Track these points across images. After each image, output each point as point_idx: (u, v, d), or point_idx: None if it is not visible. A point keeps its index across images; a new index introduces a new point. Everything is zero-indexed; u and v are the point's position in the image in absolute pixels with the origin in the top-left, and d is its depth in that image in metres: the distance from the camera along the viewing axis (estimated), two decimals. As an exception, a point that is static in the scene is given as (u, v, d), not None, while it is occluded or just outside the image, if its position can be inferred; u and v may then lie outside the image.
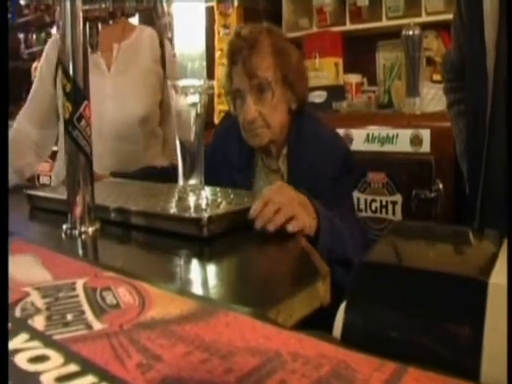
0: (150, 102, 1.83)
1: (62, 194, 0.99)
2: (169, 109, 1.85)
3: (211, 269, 0.78)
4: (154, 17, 0.95)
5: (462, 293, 0.42)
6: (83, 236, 0.93)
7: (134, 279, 0.64)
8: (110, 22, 0.93)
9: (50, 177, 3.84)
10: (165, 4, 0.87)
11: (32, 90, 1.94)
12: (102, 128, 1.72)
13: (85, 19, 0.91)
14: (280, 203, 0.94)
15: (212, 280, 0.72)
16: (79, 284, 0.64)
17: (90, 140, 0.93)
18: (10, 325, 0.53)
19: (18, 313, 0.56)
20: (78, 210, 0.94)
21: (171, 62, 1.91)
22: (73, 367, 0.43)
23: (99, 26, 0.94)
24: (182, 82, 0.96)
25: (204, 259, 0.84)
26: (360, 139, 2.23)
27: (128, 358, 0.44)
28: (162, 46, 1.87)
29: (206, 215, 0.85)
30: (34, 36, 4.60)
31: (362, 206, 2.19)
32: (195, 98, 0.95)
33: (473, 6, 1.08)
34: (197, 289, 0.68)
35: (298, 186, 1.28)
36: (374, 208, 2.17)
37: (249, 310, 0.50)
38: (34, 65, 4.42)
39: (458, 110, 1.39)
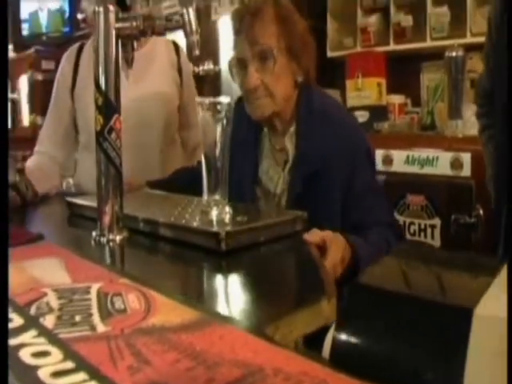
0: (169, 107, 1.84)
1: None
2: (187, 115, 1.90)
3: (222, 281, 0.80)
4: (184, 35, 0.99)
5: (447, 321, 0.43)
6: (111, 243, 0.97)
7: (146, 287, 0.67)
8: (141, 39, 0.97)
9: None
10: (193, 22, 0.90)
11: (50, 108, 1.95)
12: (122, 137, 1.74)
13: (117, 36, 0.95)
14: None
15: (220, 292, 0.74)
16: (94, 288, 0.68)
17: (120, 152, 0.97)
18: (22, 321, 0.56)
19: (33, 311, 0.60)
20: (107, 219, 0.98)
21: (188, 73, 1.94)
22: (69, 364, 0.46)
23: (134, 42, 0.99)
24: (208, 99, 0.99)
25: (218, 272, 0.86)
26: (400, 161, 2.22)
27: (121, 359, 0.47)
28: (177, 53, 1.90)
29: (224, 230, 0.87)
30: (90, 49, 4.75)
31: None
32: (221, 115, 0.98)
33: (502, 31, 1.08)
34: (203, 299, 0.70)
35: (305, 166, 1.30)
36: (412, 231, 2.15)
37: (247, 323, 0.52)
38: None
39: (489, 134, 1.38)
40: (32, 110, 4.65)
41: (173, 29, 0.99)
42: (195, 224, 0.95)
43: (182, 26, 0.98)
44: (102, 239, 0.98)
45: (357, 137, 1.36)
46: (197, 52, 1.01)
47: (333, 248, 1.01)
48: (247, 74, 1.33)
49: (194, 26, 0.98)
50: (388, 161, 2.25)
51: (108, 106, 0.95)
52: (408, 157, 2.21)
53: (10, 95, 5.01)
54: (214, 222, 0.96)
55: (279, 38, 1.32)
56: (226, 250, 0.87)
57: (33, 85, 4.64)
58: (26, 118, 4.77)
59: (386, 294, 0.48)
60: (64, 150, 1.90)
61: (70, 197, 1.31)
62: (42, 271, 0.77)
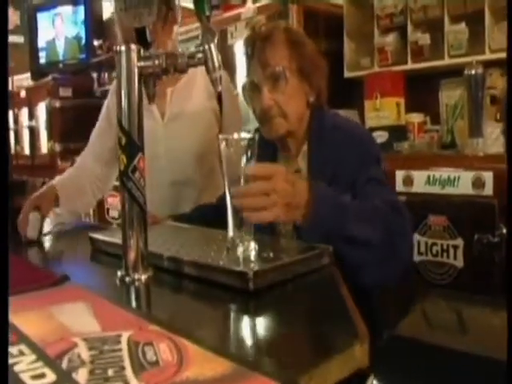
0: (205, 138, 1.83)
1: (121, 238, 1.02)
2: None
3: (251, 325, 0.78)
4: (207, 71, 1.00)
5: (481, 372, 0.41)
6: (136, 283, 0.96)
7: (176, 334, 0.66)
8: (164, 77, 0.97)
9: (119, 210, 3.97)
10: (215, 59, 0.90)
11: (96, 127, 1.98)
12: (156, 176, 1.75)
13: (139, 75, 0.95)
14: (261, 190, 0.97)
15: (250, 338, 0.72)
16: (124, 337, 0.67)
17: (144, 191, 0.97)
18: (54, 376, 0.56)
19: (65, 364, 0.59)
20: (132, 258, 0.97)
21: (228, 100, 1.90)
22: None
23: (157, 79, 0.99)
24: (232, 135, 0.98)
25: (247, 314, 0.84)
26: (421, 181, 2.20)
27: (158, 421, 0.46)
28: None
29: (252, 270, 0.86)
30: (107, 75, 4.80)
31: (423, 249, 2.14)
32: (244, 150, 0.97)
33: None
34: (232, 346, 0.69)
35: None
36: (434, 252, 2.12)
37: (280, 374, 0.51)
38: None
39: None
40: (50, 137, 4.70)
41: (195, 66, 0.99)
42: (222, 263, 0.94)
43: (204, 62, 0.98)
44: (127, 279, 0.97)
45: (366, 144, 1.37)
46: (219, 88, 1.01)
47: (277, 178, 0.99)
48: (261, 96, 1.36)
49: (216, 63, 0.98)
50: (409, 181, 2.23)
51: (131, 146, 0.95)
52: (429, 177, 2.18)
53: (28, 123, 5.07)
54: (241, 260, 0.95)
55: (290, 60, 1.37)
56: (254, 289, 0.86)
57: (50, 112, 4.68)
58: (44, 146, 4.81)
59: (422, 345, 0.47)
60: (105, 166, 1.91)
61: (93, 232, 1.31)
62: (70, 317, 0.76)
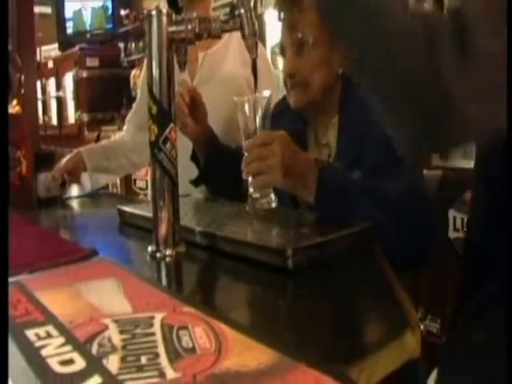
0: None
1: (151, 211, 0.98)
2: None
3: (291, 309, 0.74)
4: (242, 37, 0.94)
5: None
6: (167, 259, 0.92)
7: (212, 317, 0.62)
8: (196, 43, 0.91)
9: (146, 181, 3.97)
10: (252, 23, 0.85)
11: (138, 95, 2.03)
12: (182, 141, 1.71)
13: (171, 41, 0.90)
14: (260, 156, 1.01)
15: (290, 323, 0.67)
16: (157, 319, 0.63)
17: (176, 163, 0.92)
18: (84, 363, 0.52)
19: (94, 349, 0.55)
20: (163, 233, 0.93)
21: (265, 69, 1.83)
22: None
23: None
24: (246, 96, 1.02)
25: (285, 295, 0.80)
26: (457, 155, 2.12)
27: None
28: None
29: (291, 247, 0.81)
30: (133, 45, 4.75)
31: (459, 225, 2.08)
32: (261, 111, 1.00)
33: None
34: (273, 331, 0.64)
35: (344, 157, 1.24)
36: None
37: (328, 367, 0.46)
38: (133, 72, 4.57)
39: None
40: (77, 108, 4.69)
41: (230, 31, 0.93)
42: (258, 239, 0.89)
43: (239, 27, 0.92)
44: (157, 254, 0.93)
45: None
46: (255, 54, 0.95)
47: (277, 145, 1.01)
48: (285, 61, 1.32)
49: (252, 28, 0.92)
50: (444, 156, 2.14)
51: (163, 115, 0.90)
52: (466, 151, 2.10)
53: (55, 93, 5.07)
54: (279, 237, 0.90)
55: (319, 27, 1.28)
56: (293, 267, 0.81)
57: (77, 82, 4.67)
58: (71, 116, 4.81)
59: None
60: (141, 132, 1.89)
61: (120, 204, 1.27)
62: (99, 296, 0.72)
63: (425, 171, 2.15)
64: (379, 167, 1.17)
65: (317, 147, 1.39)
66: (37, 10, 6.26)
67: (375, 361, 0.54)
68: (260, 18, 3.07)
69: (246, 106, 1.04)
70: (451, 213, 2.06)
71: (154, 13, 0.90)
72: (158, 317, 0.63)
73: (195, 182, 1.54)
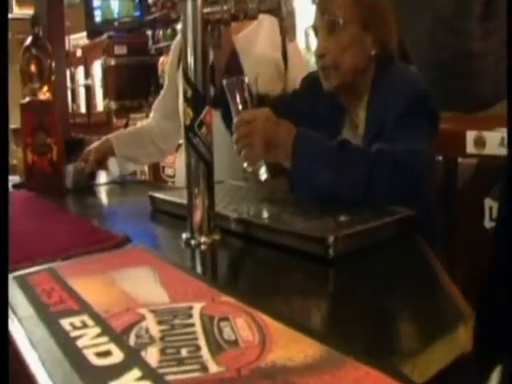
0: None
1: (184, 198, 0.96)
2: None
3: (334, 300, 0.71)
4: (279, 18, 0.91)
5: None
6: (202, 247, 0.90)
7: (254, 308, 0.59)
8: (232, 24, 0.88)
9: (175, 168, 3.96)
10: (289, 3, 0.81)
11: (165, 84, 2.01)
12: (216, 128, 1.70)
13: (206, 22, 0.87)
14: (243, 134, 1.12)
15: (335, 315, 0.64)
16: (196, 309, 0.60)
17: (212, 147, 0.89)
18: (122, 355, 0.49)
19: (132, 340, 0.53)
20: (198, 220, 0.91)
21: (295, 53, 1.80)
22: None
23: (221, 26, 0.90)
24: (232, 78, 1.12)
25: (327, 285, 0.77)
26: (494, 142, 2.05)
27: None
28: (282, 33, 1.78)
29: (332, 235, 0.78)
30: (161, 32, 4.73)
31: (495, 215, 2.01)
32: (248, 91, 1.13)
33: None
34: (317, 324, 0.61)
35: (369, 134, 1.25)
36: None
37: (380, 363, 0.43)
38: (161, 60, 4.55)
39: None
40: (105, 95, 4.69)
41: (266, 11, 0.90)
42: (296, 227, 0.86)
43: (276, 8, 0.88)
44: (192, 242, 0.90)
45: (418, 97, 1.22)
46: (292, 38, 0.92)
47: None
48: (317, 43, 1.31)
49: (290, 8, 0.88)
50: (480, 143, 2.08)
51: (198, 99, 0.87)
52: (503, 139, 2.03)
53: (84, 81, 5.08)
54: (318, 224, 0.87)
55: (351, 9, 1.27)
56: (334, 257, 0.77)
57: (106, 70, 4.67)
58: (100, 104, 4.82)
59: None
60: (167, 120, 1.93)
61: (154, 191, 1.25)
62: (135, 285, 0.70)
63: (459, 159, 2.10)
64: (395, 133, 1.16)
65: (351, 127, 1.38)
66: (65, -1, 6.32)
67: (428, 356, 0.51)
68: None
69: (235, 88, 1.12)
70: (487, 202, 1.99)
71: (188, -8, 0.86)
72: (197, 307, 0.61)
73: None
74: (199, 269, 0.87)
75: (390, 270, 0.79)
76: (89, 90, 5.04)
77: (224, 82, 1.13)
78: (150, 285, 0.70)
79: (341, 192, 1.05)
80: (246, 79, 1.12)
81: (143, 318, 0.59)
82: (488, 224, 2.01)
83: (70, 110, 5.38)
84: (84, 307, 0.62)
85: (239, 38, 1.72)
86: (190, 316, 0.59)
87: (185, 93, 0.87)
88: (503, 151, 2.02)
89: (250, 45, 1.72)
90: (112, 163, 1.89)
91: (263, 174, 1.13)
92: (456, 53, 0.73)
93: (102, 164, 1.83)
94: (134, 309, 0.61)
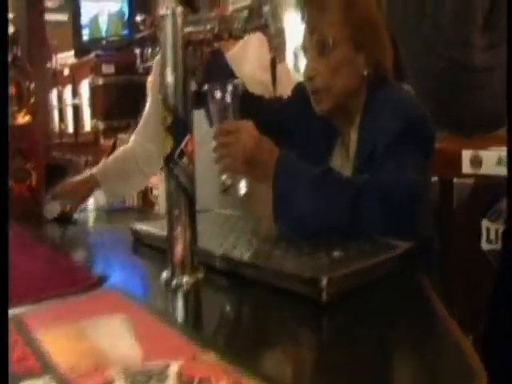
0: None
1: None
2: None
3: (327, 352, 0.62)
4: (267, 38, 0.85)
5: None
6: (184, 287, 0.83)
7: (239, 367, 0.52)
8: (216, 44, 0.81)
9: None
10: (279, 21, 0.76)
11: (148, 104, 1.98)
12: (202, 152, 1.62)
13: (187, 42, 0.80)
14: (223, 143, 1.08)
15: (328, 369, 0.56)
16: (173, 369, 0.53)
17: (193, 178, 0.82)
18: None
19: (97, 410, 0.46)
20: (179, 257, 0.83)
21: (285, 73, 1.73)
22: None
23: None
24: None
25: (320, 333, 0.70)
26: (491, 162, 2.00)
27: None
28: (271, 53, 1.71)
29: (325, 275, 0.70)
30: (150, 51, 4.67)
31: (493, 236, 1.95)
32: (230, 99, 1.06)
33: None
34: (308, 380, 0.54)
35: (361, 156, 1.19)
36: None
37: None
38: (149, 79, 4.49)
39: None
40: (93, 115, 4.62)
41: (254, 31, 0.83)
42: (288, 265, 0.79)
43: (264, 26, 0.82)
44: (173, 282, 0.83)
45: (412, 123, 1.14)
46: (282, 58, 0.85)
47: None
48: (305, 64, 1.24)
49: (279, 26, 0.82)
50: (477, 163, 2.02)
51: (178, 126, 0.80)
52: (500, 157, 1.98)
53: (72, 101, 5.01)
54: (310, 262, 0.80)
55: (342, 27, 1.19)
56: (328, 300, 0.70)
57: (93, 89, 4.61)
58: (87, 124, 4.75)
59: None
60: (151, 142, 1.84)
61: (135, 221, 1.17)
62: (106, 338, 0.63)
63: (455, 179, 2.05)
64: (386, 162, 1.09)
65: (343, 148, 1.31)
66: (53, 17, 6.26)
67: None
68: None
69: (218, 94, 1.06)
70: (484, 223, 1.93)
71: (168, 12, 0.80)
72: (175, 366, 0.53)
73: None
74: (181, 312, 0.80)
75: (389, 313, 0.71)
76: (76, 110, 4.97)
77: (207, 86, 1.07)
78: (123, 338, 0.62)
79: (323, 221, 0.99)
80: (230, 86, 1.06)
81: (112, 380, 0.51)
82: (485, 246, 1.95)
83: (58, 130, 5.32)
84: (46, 368, 0.55)
85: (228, 56, 1.64)
86: (166, 377, 0.51)
87: (164, 119, 0.80)
88: (501, 170, 1.96)
89: (237, 65, 1.63)
90: (98, 195, 1.82)
91: (242, 187, 1.09)
92: (457, 66, 0.67)
93: (85, 199, 1.75)
94: (103, 368, 0.54)
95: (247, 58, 1.67)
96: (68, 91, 5.10)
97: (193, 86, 1.19)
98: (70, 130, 5.10)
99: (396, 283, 0.80)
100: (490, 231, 1.95)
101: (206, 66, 1.13)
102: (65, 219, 1.52)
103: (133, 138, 1.93)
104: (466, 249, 1.97)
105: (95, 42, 4.86)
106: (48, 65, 5.37)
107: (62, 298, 0.79)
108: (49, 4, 6.26)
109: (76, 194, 1.64)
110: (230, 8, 2.02)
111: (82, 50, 4.94)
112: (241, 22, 0.80)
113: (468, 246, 1.97)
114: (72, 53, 5.17)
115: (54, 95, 5.31)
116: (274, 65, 1.65)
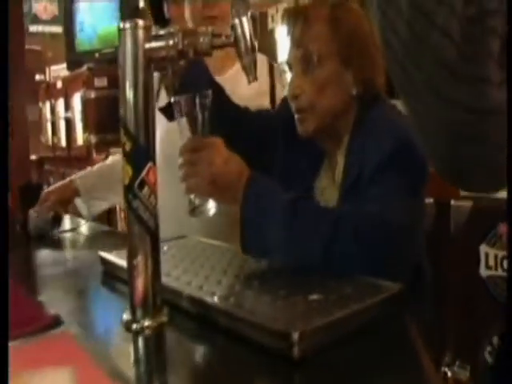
0: None
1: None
2: None
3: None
4: (238, 54, 0.77)
5: None
6: (146, 331, 0.74)
7: None
8: (181, 62, 0.73)
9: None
10: (249, 37, 0.68)
11: None
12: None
13: (149, 60, 0.72)
14: (187, 161, 0.99)
15: None
16: None
17: (156, 211, 0.74)
18: None
19: None
20: (139, 299, 0.75)
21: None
22: None
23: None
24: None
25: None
26: (489, 183, 1.91)
27: None
28: (271, 75, 1.59)
29: (297, 330, 0.61)
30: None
31: (492, 262, 1.87)
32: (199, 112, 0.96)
33: None
34: None
35: (349, 177, 1.10)
36: (506, 266, 1.84)
37: None
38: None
39: None
40: (85, 129, 4.55)
41: (222, 46, 0.75)
42: (259, 313, 0.70)
43: (234, 42, 0.73)
44: (134, 326, 0.74)
45: (401, 147, 1.04)
46: (254, 77, 0.77)
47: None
48: (289, 81, 1.14)
49: (249, 42, 0.74)
50: (475, 183, 1.94)
51: (138, 153, 0.72)
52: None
53: (64, 114, 4.94)
54: (283, 309, 0.71)
55: (328, 42, 1.10)
56: (300, 357, 0.61)
57: (85, 103, 4.54)
58: (80, 137, 4.67)
59: None
60: None
61: (104, 251, 1.09)
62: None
63: (452, 201, 1.96)
64: (370, 189, 1.01)
65: (329, 171, 1.22)
66: (48, 29, 6.21)
67: None
68: (271, 34, 2.88)
69: (184, 108, 0.95)
70: (483, 248, 1.85)
71: (127, 26, 0.72)
72: None
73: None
74: (141, 360, 0.71)
75: (370, 369, 0.62)
76: (69, 123, 4.90)
77: (172, 99, 0.96)
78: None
79: (295, 256, 0.92)
80: (198, 97, 0.95)
81: None
82: (484, 272, 1.86)
83: (50, 144, 5.25)
84: None
85: (223, 81, 1.42)
86: None
87: (123, 146, 0.72)
88: (500, 192, 1.88)
89: (233, 88, 1.43)
90: (79, 204, 1.75)
91: (212, 208, 1.00)
92: (466, 106, 0.58)
93: (65, 206, 1.68)
94: None
95: (243, 81, 1.51)
96: (61, 104, 5.03)
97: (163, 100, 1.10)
98: (63, 143, 5.03)
99: (380, 330, 0.71)
100: (488, 256, 1.87)
101: (183, 77, 1.02)
102: (45, 233, 1.48)
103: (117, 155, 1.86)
104: (464, 275, 1.89)
105: (88, 54, 4.80)
106: (40, 79, 5.34)
107: (11, 342, 0.71)
108: (43, 16, 6.23)
109: (56, 202, 1.57)
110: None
111: (74, 62, 4.87)
112: (207, 36, 0.71)
113: (466, 272, 1.89)
114: (64, 66, 5.11)
115: (47, 108, 5.24)
116: (273, 89, 1.56)
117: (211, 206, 1.00)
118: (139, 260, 0.74)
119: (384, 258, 0.93)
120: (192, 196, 1.00)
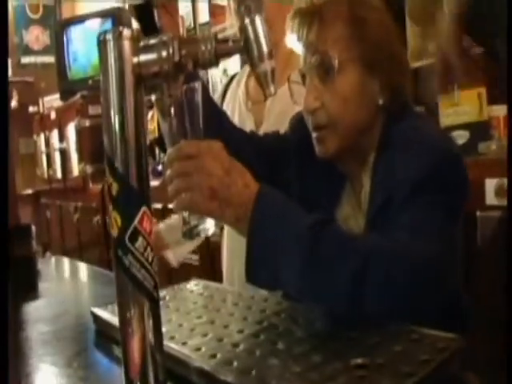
0: None
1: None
2: None
3: None
4: (249, 63, 0.65)
5: None
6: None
7: None
8: (180, 78, 0.58)
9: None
10: (263, 41, 0.57)
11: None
12: None
13: (137, 76, 0.57)
14: (179, 172, 0.78)
15: None
16: None
17: (154, 268, 0.58)
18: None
19: None
20: (136, 372, 0.59)
21: None
22: None
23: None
24: None
25: None
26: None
27: None
28: (259, 84, 1.45)
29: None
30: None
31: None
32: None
33: None
34: None
35: (375, 207, 0.95)
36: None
37: None
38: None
39: None
40: (81, 159, 4.42)
41: (229, 55, 0.60)
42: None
43: (244, 49, 0.58)
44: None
45: (440, 165, 0.90)
46: (272, 90, 0.62)
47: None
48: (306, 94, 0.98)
49: (264, 47, 0.59)
50: (502, 192, 1.79)
51: (129, 197, 0.56)
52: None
53: (59, 145, 4.81)
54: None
55: (350, 45, 0.96)
56: None
57: (80, 132, 4.42)
58: (75, 168, 4.54)
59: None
60: None
61: (97, 307, 0.93)
62: None
63: (478, 213, 1.81)
64: (403, 216, 0.85)
65: (353, 195, 1.07)
66: (39, 60, 6.11)
67: None
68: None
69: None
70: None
71: (109, 36, 0.57)
72: None
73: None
74: None
75: None
76: (64, 154, 4.77)
77: (153, 98, 0.78)
78: None
79: (313, 292, 0.76)
80: (188, 89, 0.76)
81: None
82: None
83: (46, 176, 5.12)
84: None
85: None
86: None
87: (109, 188, 0.57)
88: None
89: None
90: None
91: (211, 227, 0.82)
92: None
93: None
94: None
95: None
96: (55, 136, 4.92)
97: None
98: (59, 175, 4.90)
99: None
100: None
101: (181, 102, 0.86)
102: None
103: None
104: (494, 293, 1.74)
105: (81, 82, 4.69)
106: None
107: None
108: (35, 46, 6.14)
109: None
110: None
111: (67, 91, 4.76)
112: (210, 43, 0.56)
113: (496, 289, 1.74)
114: (58, 96, 5.01)
115: (41, 140, 5.14)
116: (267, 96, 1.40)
117: (209, 226, 0.82)
118: (134, 329, 0.58)
119: (422, 301, 0.78)
120: (186, 214, 0.82)
